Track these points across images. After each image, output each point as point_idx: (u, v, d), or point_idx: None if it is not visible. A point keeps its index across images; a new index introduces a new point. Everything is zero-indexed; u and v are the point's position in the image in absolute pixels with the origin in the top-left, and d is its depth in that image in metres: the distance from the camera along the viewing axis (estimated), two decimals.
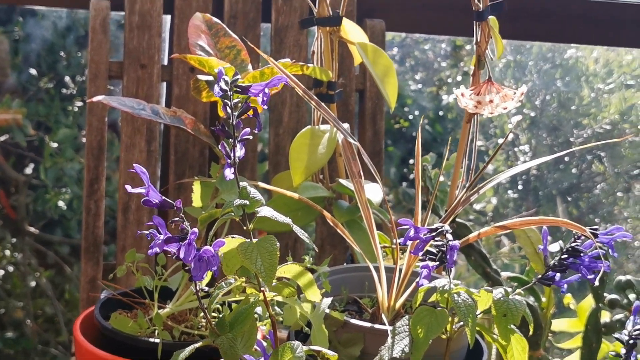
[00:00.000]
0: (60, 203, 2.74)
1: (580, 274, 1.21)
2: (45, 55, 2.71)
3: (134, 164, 0.93)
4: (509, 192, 3.30)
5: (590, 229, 1.18)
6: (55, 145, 2.48)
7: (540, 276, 1.23)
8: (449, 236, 1.14)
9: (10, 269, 2.87)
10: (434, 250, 1.16)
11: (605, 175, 3.21)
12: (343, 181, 1.48)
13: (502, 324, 1.18)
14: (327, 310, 1.24)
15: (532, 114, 3.27)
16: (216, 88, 0.99)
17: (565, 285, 1.23)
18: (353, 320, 1.25)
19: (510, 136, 3.25)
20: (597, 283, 1.18)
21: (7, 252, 2.79)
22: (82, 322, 1.25)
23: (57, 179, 2.48)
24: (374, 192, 1.47)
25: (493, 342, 1.22)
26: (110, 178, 2.59)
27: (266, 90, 1.03)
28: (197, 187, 1.34)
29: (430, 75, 3.47)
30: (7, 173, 2.72)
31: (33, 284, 2.91)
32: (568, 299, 2.09)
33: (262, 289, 0.98)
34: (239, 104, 1.00)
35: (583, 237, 1.21)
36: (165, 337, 1.17)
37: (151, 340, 1.17)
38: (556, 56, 3.26)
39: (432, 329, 1.15)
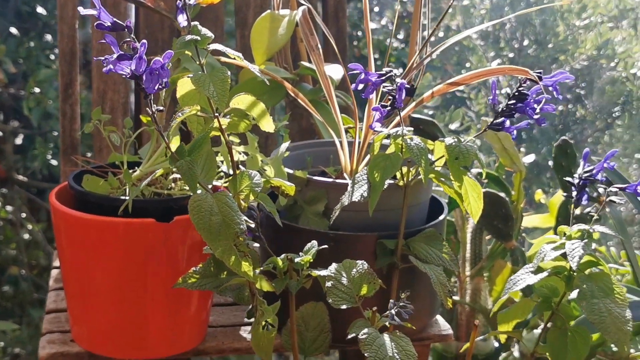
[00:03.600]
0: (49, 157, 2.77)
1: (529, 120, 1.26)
2: None
3: None
4: None
5: (535, 72, 1.23)
6: (37, 90, 2.51)
7: (489, 124, 1.28)
8: (398, 80, 1.19)
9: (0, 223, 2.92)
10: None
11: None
12: (305, 63, 1.54)
13: (455, 166, 1.23)
14: (291, 171, 1.30)
15: (511, 55, 3.32)
16: None
17: (515, 132, 1.28)
18: (316, 178, 1.31)
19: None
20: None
21: None
22: (57, 193, 1.28)
23: (44, 118, 2.49)
24: (335, 70, 1.53)
25: (448, 191, 1.27)
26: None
27: None
28: None
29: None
30: None
31: (26, 236, 2.95)
32: (539, 195, 2.14)
33: (216, 115, 1.03)
34: None
35: (529, 83, 1.26)
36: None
37: (122, 197, 1.21)
38: None
39: (387, 170, 1.20)
